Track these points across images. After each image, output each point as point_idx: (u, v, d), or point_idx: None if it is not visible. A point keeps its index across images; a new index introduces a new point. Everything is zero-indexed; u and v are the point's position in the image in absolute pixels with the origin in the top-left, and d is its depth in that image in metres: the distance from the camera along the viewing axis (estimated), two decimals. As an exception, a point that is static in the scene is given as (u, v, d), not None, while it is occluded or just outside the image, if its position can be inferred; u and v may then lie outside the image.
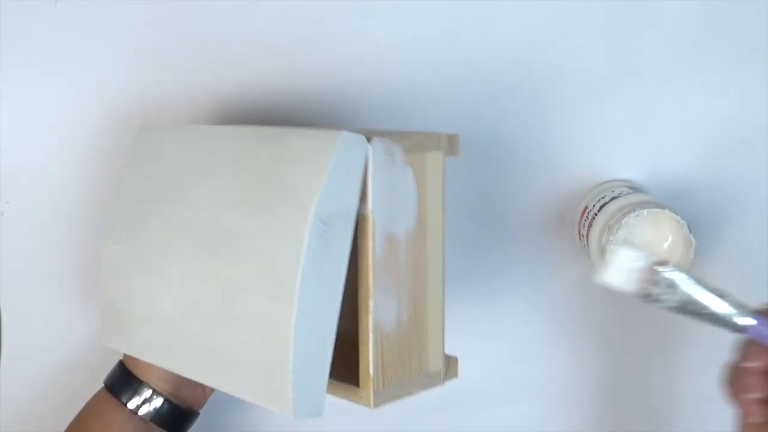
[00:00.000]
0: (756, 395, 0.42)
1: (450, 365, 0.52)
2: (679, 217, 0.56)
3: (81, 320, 0.65)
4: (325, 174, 0.43)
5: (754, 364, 0.42)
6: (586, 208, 0.61)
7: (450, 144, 0.50)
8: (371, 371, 0.46)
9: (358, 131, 0.45)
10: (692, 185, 0.62)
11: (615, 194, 0.59)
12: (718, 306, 0.45)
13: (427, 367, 0.50)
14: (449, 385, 0.68)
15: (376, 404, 0.46)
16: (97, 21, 0.59)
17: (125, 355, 0.57)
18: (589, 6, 0.59)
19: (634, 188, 0.60)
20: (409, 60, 0.61)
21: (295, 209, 0.43)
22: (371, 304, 0.45)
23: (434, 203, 0.49)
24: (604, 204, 0.59)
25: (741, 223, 0.63)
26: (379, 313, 0.46)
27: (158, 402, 0.55)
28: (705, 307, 0.45)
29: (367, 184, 0.45)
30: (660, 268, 0.45)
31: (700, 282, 0.45)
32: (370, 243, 0.45)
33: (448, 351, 0.52)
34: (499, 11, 0.59)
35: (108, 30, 0.60)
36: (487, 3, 0.59)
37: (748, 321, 0.44)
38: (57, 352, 0.66)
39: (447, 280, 0.51)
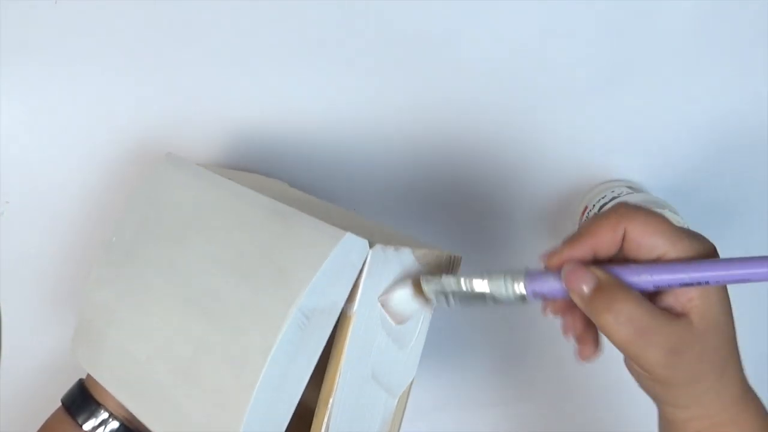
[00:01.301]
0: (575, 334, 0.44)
1: None
2: (679, 217, 0.56)
3: (70, 329, 0.64)
4: (318, 269, 0.43)
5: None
6: (586, 208, 0.61)
7: (451, 264, 0.49)
8: None
9: (363, 228, 0.45)
10: (692, 185, 0.62)
11: (615, 194, 0.59)
12: (489, 286, 0.44)
13: None
14: (448, 385, 0.69)
15: None
16: (97, 21, 0.59)
17: (88, 375, 0.57)
18: (589, 5, 0.59)
19: (634, 188, 0.60)
20: (407, 58, 0.61)
21: (282, 295, 0.43)
22: (330, 402, 0.45)
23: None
24: (604, 204, 0.59)
25: (741, 223, 0.63)
26: (335, 413, 0.46)
27: (114, 425, 0.54)
28: (479, 294, 0.44)
29: (358, 286, 0.45)
30: (424, 283, 0.46)
31: (461, 276, 0.45)
32: (346, 343, 0.45)
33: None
34: (500, 11, 0.59)
35: (108, 30, 0.60)
36: (487, 3, 0.59)
37: (521, 288, 0.43)
38: (49, 354, 0.66)
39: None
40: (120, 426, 0.54)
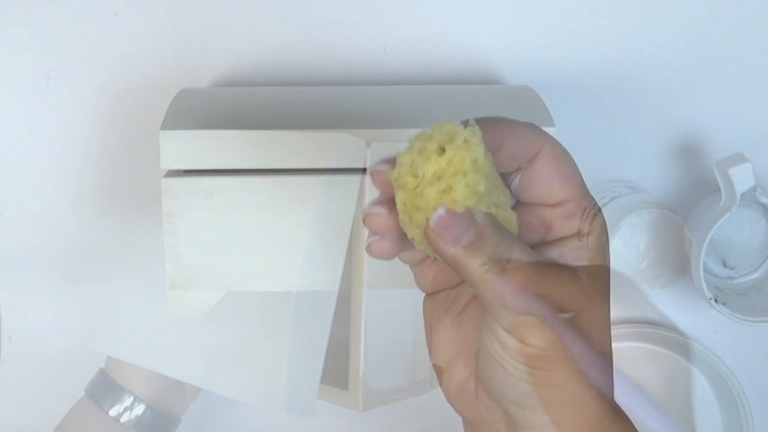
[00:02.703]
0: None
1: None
2: (679, 218, 0.56)
3: (77, 323, 0.64)
4: (323, 175, 0.43)
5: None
6: (586, 208, 0.61)
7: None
8: (361, 374, 0.46)
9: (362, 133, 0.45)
10: (692, 186, 0.62)
11: (615, 194, 0.59)
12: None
13: (413, 374, 0.50)
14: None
15: (365, 408, 0.47)
16: (97, 21, 0.59)
17: (107, 363, 0.57)
18: (589, 6, 0.59)
19: (634, 188, 0.60)
20: (408, 56, 0.61)
21: (295, 208, 0.44)
22: (363, 307, 0.46)
23: None
24: (604, 204, 0.59)
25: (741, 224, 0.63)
26: (370, 318, 0.46)
27: (140, 409, 0.54)
28: None
29: (365, 187, 0.45)
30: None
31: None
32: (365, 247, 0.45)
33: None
34: (500, 11, 0.59)
35: (108, 30, 0.60)
36: (489, 3, 0.59)
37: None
38: (50, 353, 0.66)
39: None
40: (146, 409, 0.54)
